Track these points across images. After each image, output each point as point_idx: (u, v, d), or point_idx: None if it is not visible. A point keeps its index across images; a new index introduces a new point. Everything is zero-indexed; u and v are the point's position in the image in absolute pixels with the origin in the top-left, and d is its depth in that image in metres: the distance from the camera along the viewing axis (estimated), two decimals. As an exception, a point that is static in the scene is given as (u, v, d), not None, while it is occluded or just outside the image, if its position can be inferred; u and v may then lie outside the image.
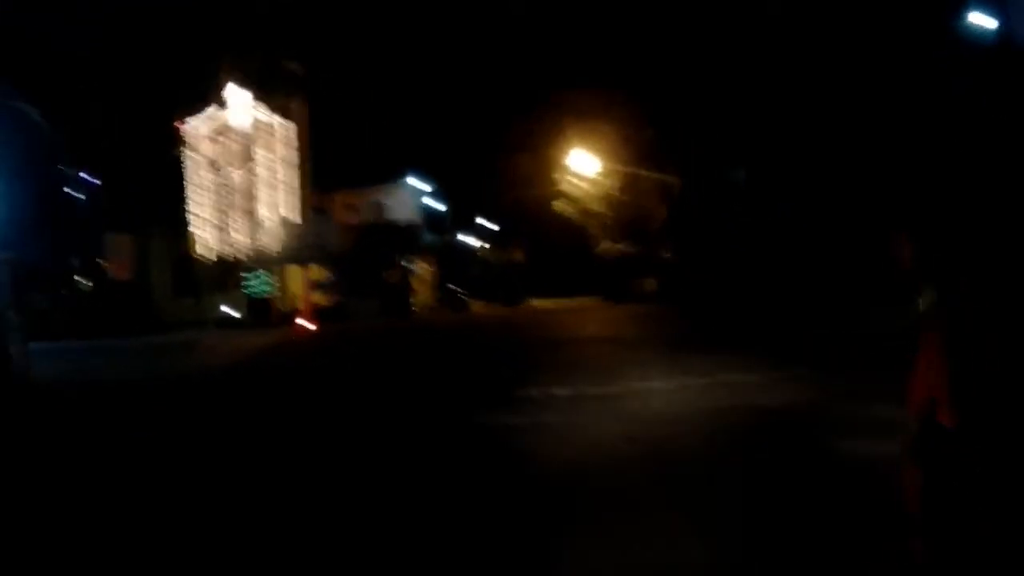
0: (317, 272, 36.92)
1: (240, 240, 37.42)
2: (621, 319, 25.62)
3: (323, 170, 37.54)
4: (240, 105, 37.04)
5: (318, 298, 35.75)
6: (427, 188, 44.05)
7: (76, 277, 39.57)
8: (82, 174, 39.77)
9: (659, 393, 10.56)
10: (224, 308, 37.26)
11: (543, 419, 9.13)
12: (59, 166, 40.24)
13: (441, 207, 45.89)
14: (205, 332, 32.64)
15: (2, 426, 11.59)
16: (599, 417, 9.10)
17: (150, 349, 25.69)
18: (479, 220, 50.40)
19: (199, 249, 37.47)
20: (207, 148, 37.19)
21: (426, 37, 39.97)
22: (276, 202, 37.40)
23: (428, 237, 43.91)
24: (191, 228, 37.55)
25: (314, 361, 19.65)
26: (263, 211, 37.24)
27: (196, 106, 36.92)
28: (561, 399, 10.51)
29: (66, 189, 40.48)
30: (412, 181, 43.06)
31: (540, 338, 20.62)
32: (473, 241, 50.44)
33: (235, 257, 37.47)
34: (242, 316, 36.94)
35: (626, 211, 39.98)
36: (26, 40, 36.10)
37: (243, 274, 37.72)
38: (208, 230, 37.41)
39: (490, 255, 49.65)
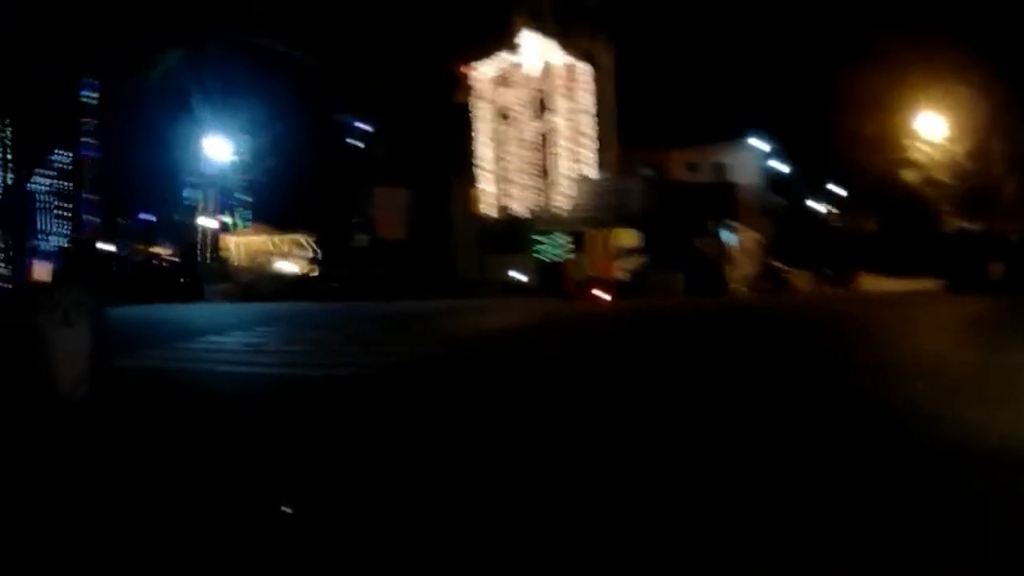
0: (622, 237, 32.03)
1: (531, 198, 33.42)
2: (981, 317, 18.77)
3: (630, 123, 32.53)
4: (535, 48, 32.77)
5: (618, 267, 31.00)
6: (767, 148, 38.48)
7: (357, 235, 37.55)
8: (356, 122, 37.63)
9: None
10: (512, 272, 33.65)
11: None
12: (336, 115, 38.32)
13: (785, 169, 40.01)
14: (489, 298, 29.08)
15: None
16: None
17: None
18: (829, 185, 44.15)
19: (483, 207, 33.88)
20: (497, 96, 33.33)
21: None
22: (575, 157, 33.04)
23: (770, 201, 38.27)
24: (477, 183, 34.07)
25: (608, 341, 16.12)
26: (560, 166, 32.96)
27: (485, 49, 33.05)
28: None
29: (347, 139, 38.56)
30: (752, 141, 37.59)
31: (889, 339, 14.77)
32: (820, 208, 44.22)
33: (525, 217, 33.57)
34: (530, 282, 33.13)
35: (973, 181, 33.37)
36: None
37: (534, 236, 33.74)
38: (495, 185, 33.69)
39: (840, 223, 43.07)
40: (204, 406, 9.93)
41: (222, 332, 18.10)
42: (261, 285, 36.99)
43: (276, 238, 41.77)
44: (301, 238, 41.12)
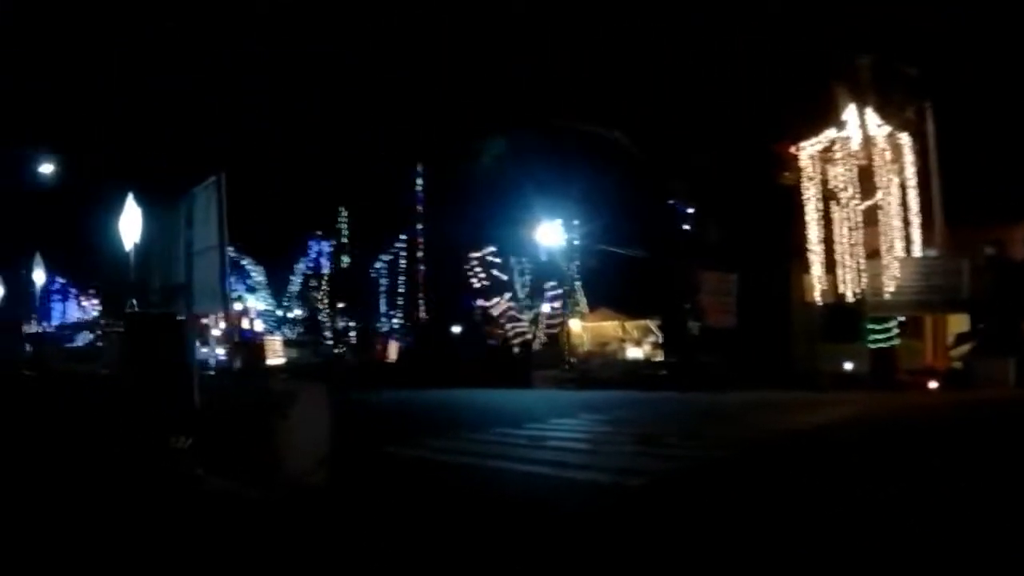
0: (952, 322, 29.02)
1: (861, 282, 31.22)
2: None
3: (956, 197, 29.74)
4: (855, 121, 30.89)
5: (949, 355, 28.00)
6: None
7: (690, 321, 36.82)
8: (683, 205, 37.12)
9: None
10: (844, 362, 31.45)
11: None
12: (667, 199, 38.06)
13: None
14: (819, 390, 27.84)
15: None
16: None
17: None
18: None
19: (815, 293, 32.03)
20: (822, 174, 31.61)
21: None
22: (902, 236, 30.61)
23: None
24: (809, 268, 32.31)
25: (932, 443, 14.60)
26: (888, 246, 30.61)
27: (810, 126, 31.55)
28: None
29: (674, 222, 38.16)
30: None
31: None
32: None
33: (856, 302, 31.34)
34: (861, 370, 30.75)
35: None
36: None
37: (866, 323, 31.36)
38: (826, 270, 31.78)
39: None
40: (431, 506, 9.56)
41: (518, 424, 17.81)
42: (598, 371, 37.05)
43: (627, 323, 41.90)
44: (651, 324, 41.00)
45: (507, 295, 46.11)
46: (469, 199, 46.06)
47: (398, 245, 55.35)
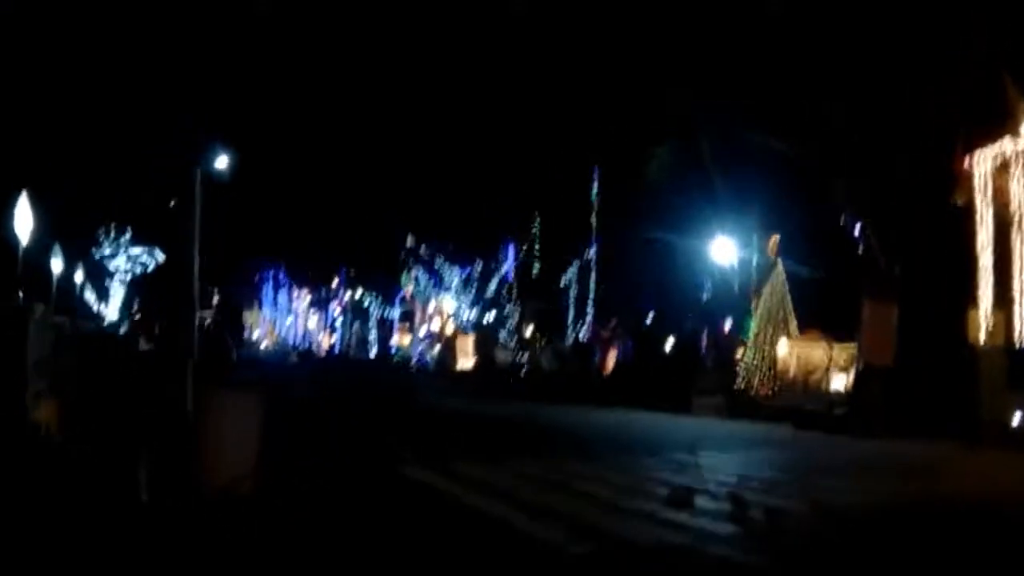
0: None
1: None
2: None
3: None
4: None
5: None
6: None
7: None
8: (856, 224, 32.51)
9: None
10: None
11: None
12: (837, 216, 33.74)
13: None
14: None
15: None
16: None
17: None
18: None
19: (978, 330, 26.88)
20: (999, 193, 26.32)
21: None
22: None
23: None
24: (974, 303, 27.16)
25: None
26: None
27: (986, 136, 26.32)
28: None
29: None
30: None
31: None
32: None
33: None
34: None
35: None
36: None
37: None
38: (993, 306, 26.57)
39: None
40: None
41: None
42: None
43: (836, 348, 37.32)
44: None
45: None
46: (644, 207, 43.50)
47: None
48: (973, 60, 26.32)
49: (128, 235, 68.46)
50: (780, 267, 37.73)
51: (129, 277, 71.21)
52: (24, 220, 15.02)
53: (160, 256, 68.97)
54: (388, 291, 76.05)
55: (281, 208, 73.70)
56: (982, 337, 26.87)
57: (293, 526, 8.97)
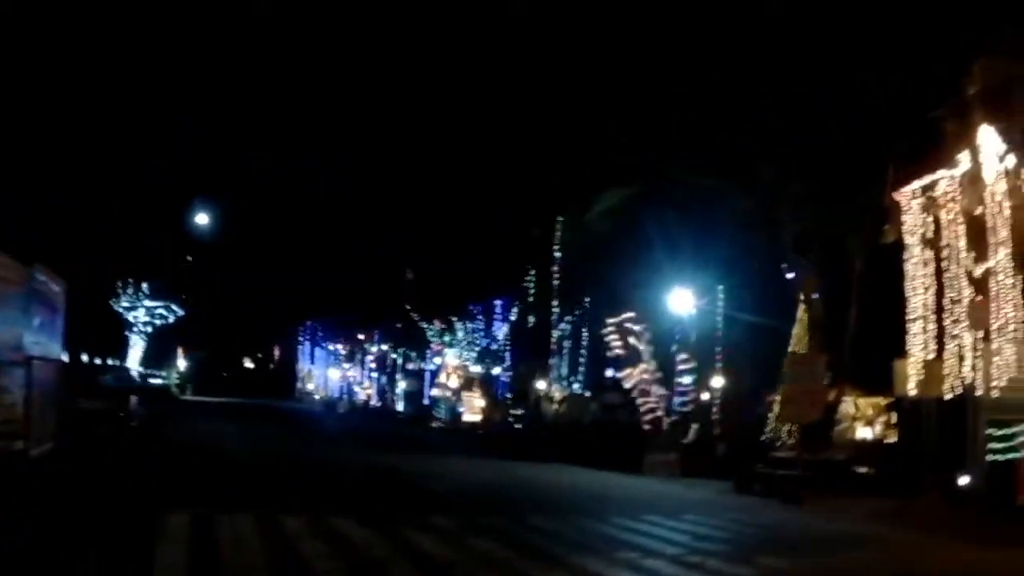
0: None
1: (985, 369, 23.43)
2: None
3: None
4: (992, 155, 22.98)
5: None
6: None
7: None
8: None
9: None
10: (959, 476, 23.69)
11: None
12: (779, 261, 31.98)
13: None
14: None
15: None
16: None
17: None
18: None
19: (905, 380, 24.69)
20: (928, 228, 24.30)
21: None
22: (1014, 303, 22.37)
23: None
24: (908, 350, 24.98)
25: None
26: (1001, 320, 22.53)
27: (916, 161, 24.33)
28: None
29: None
30: None
31: None
32: None
33: (970, 397, 23.65)
34: (974, 485, 23.10)
35: None
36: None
37: (989, 429, 23.47)
38: (924, 354, 24.39)
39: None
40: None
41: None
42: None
43: (860, 400, 34.27)
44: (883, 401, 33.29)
45: (641, 366, 40.99)
46: (602, 259, 41.99)
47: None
48: (901, 91, 24.74)
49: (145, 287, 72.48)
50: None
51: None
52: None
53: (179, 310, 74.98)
54: (420, 346, 76.78)
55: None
56: (911, 389, 24.71)
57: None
